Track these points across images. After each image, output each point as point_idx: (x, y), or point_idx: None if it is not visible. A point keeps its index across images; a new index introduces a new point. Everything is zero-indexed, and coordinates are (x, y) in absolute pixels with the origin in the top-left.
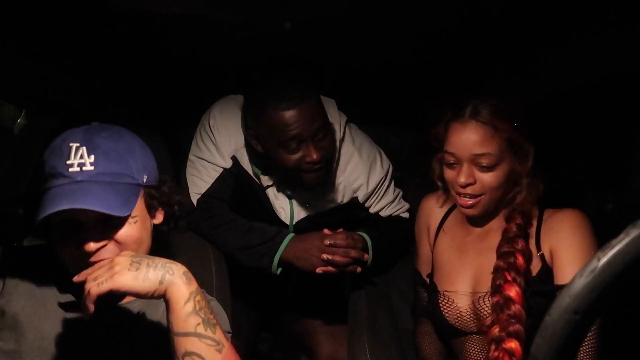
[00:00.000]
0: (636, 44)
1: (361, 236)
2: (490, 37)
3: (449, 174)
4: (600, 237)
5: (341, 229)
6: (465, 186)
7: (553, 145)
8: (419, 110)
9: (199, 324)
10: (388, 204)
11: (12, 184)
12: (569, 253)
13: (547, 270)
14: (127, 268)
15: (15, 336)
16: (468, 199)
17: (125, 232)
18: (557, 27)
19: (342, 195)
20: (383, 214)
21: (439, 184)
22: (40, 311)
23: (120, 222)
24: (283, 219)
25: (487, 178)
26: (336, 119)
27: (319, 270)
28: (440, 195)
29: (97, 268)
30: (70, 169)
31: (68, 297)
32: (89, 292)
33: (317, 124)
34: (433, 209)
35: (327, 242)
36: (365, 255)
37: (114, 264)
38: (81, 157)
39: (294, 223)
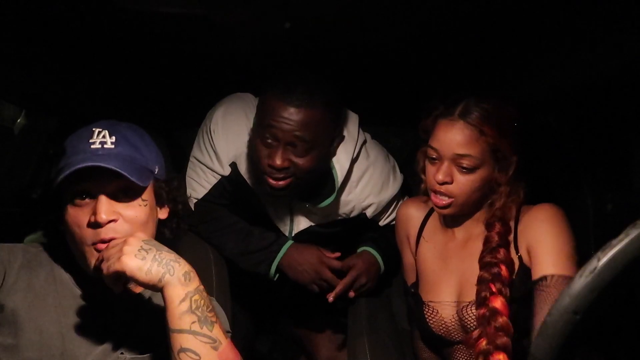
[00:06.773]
0: (636, 44)
1: (369, 253)
2: (491, 37)
3: (430, 169)
4: (600, 237)
5: (338, 260)
6: (441, 184)
7: (552, 145)
8: (420, 110)
9: (194, 322)
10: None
11: (12, 184)
12: (545, 245)
13: (526, 271)
14: (134, 254)
15: (15, 331)
16: (442, 199)
17: (135, 212)
18: (558, 27)
19: (350, 211)
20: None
21: (422, 176)
22: (39, 306)
23: (131, 200)
24: (282, 229)
25: (464, 180)
26: (353, 136)
27: (311, 288)
28: (416, 201)
29: (111, 247)
30: (92, 146)
31: (68, 292)
32: (103, 272)
33: (300, 133)
34: (410, 217)
35: (324, 275)
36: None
37: (124, 245)
38: (103, 137)
39: (292, 235)
